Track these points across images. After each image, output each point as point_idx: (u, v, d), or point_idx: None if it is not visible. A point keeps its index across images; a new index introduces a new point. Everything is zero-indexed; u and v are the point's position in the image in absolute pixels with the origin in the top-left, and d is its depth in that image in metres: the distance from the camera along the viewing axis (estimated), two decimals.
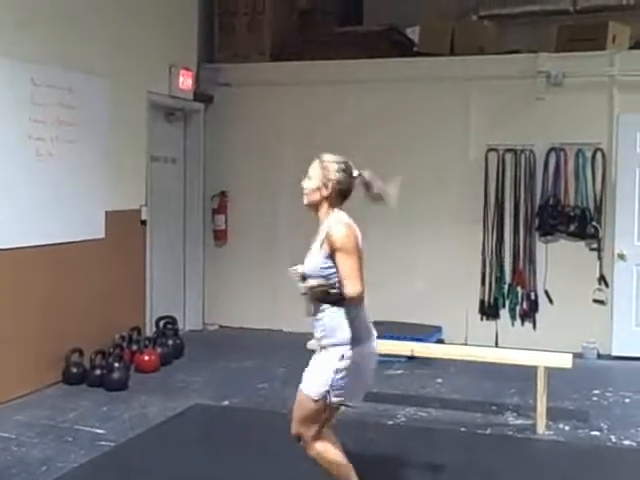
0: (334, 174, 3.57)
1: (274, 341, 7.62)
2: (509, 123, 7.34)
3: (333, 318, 3.48)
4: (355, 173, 3.61)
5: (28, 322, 5.70)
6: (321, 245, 3.52)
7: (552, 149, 7.25)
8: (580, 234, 7.16)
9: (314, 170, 3.61)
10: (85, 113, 6.22)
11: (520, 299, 7.38)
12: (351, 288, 3.40)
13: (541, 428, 5.05)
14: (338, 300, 3.44)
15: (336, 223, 3.52)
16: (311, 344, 3.77)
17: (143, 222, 7.12)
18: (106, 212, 6.51)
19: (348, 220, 3.58)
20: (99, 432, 4.94)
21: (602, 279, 7.17)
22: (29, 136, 5.69)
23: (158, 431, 5.04)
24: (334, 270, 3.47)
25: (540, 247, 7.33)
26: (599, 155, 7.15)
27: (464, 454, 4.66)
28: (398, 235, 7.55)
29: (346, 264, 3.43)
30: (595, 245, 7.17)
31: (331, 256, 3.48)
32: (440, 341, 7.11)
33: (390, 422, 5.19)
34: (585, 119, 7.14)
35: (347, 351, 3.43)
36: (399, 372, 6.43)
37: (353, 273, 3.42)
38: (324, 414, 3.54)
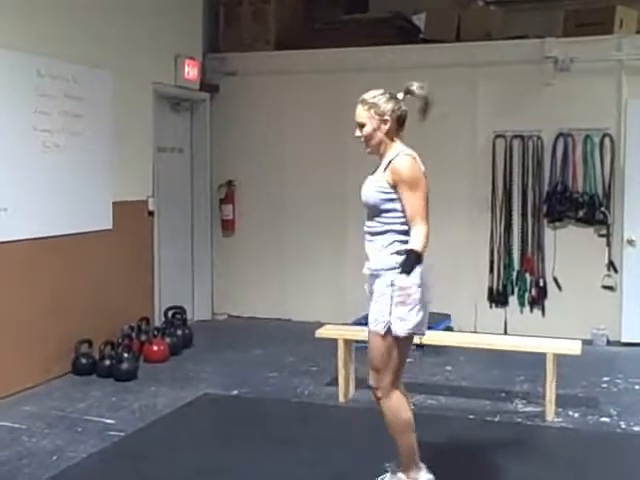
0: (385, 106, 3.50)
1: (283, 330, 7.63)
2: (516, 109, 7.29)
3: (384, 248, 3.44)
4: (400, 95, 3.54)
5: (37, 314, 5.71)
6: (384, 171, 3.45)
7: (560, 135, 7.21)
8: (589, 220, 7.13)
9: (362, 114, 3.52)
10: (91, 104, 6.22)
11: (529, 286, 7.36)
12: (419, 229, 3.35)
13: (550, 415, 5.04)
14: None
15: (400, 155, 3.45)
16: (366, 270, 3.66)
17: (150, 213, 7.12)
18: (113, 203, 6.52)
19: (411, 152, 3.50)
20: (109, 422, 4.97)
21: (611, 265, 7.14)
22: (35, 128, 5.68)
23: (167, 421, 5.06)
24: (392, 198, 3.41)
25: (548, 233, 7.31)
26: (607, 140, 7.10)
27: (473, 441, 4.65)
28: None
29: (411, 201, 3.38)
30: (604, 231, 7.13)
31: (393, 186, 3.41)
32: (449, 329, 7.09)
33: None
34: (593, 104, 7.09)
35: (397, 275, 3.38)
36: (408, 360, 6.40)
37: (419, 211, 3.37)
38: (396, 351, 3.48)
